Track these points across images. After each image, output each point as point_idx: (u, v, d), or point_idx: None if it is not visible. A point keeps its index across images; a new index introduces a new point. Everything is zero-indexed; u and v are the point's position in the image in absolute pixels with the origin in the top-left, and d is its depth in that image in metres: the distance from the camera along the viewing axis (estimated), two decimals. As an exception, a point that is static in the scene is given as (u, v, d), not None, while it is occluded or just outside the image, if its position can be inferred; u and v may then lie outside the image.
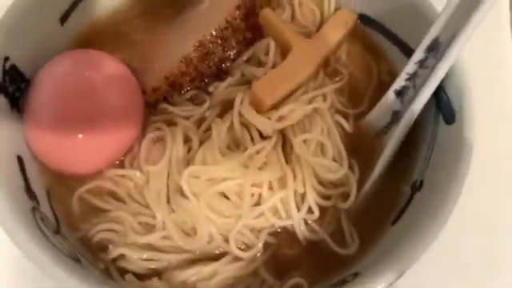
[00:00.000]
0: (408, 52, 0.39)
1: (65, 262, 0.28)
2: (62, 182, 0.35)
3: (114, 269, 0.32)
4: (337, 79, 0.40)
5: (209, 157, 0.33)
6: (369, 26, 0.42)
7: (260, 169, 0.34)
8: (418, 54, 0.35)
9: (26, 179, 0.32)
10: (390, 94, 0.37)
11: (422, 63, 0.35)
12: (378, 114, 0.38)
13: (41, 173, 0.34)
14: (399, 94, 0.37)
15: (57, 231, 0.32)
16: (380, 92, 0.38)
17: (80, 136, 0.34)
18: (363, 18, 0.42)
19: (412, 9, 0.38)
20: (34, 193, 0.33)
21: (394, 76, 0.40)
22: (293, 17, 0.43)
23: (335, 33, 0.41)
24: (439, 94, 0.35)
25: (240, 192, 0.33)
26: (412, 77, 0.36)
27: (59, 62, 0.36)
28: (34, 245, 0.27)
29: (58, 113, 0.35)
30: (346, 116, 0.38)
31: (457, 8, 0.34)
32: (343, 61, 0.41)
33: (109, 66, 0.38)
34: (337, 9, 0.43)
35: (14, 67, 0.34)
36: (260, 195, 0.34)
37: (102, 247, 0.33)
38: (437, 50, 0.35)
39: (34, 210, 0.31)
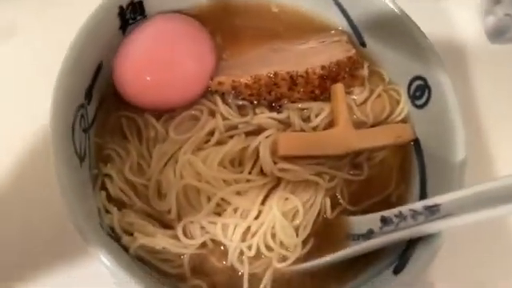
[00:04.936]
0: (423, 193, 0.42)
1: (72, 157, 0.37)
2: (116, 100, 0.43)
3: (100, 181, 0.41)
4: (354, 172, 0.44)
5: (210, 159, 0.40)
6: (416, 151, 0.45)
7: (237, 193, 0.40)
8: (417, 205, 0.38)
9: (93, 82, 0.41)
10: (377, 216, 0.40)
11: (414, 214, 0.38)
12: (359, 222, 0.41)
13: (107, 83, 0.43)
14: (383, 220, 0.39)
15: (86, 130, 0.41)
16: (379, 205, 0.42)
17: (149, 78, 0.42)
18: (415, 143, 0.45)
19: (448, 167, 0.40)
20: (92, 94, 0.41)
21: (401, 201, 0.43)
22: (364, 101, 0.46)
23: (383, 139, 0.44)
24: (408, 249, 0.38)
25: (210, 197, 0.39)
26: (401, 217, 0.38)
27: (172, 17, 0.45)
28: (59, 135, 0.36)
29: (147, 53, 0.43)
30: (335, 204, 0.43)
31: (473, 197, 0.35)
32: (373, 162, 0.45)
33: (206, 47, 0.45)
34: (402, 121, 0.46)
35: (140, 3, 0.43)
36: (224, 209, 0.40)
37: (105, 161, 0.42)
38: (432, 213, 0.37)
39: (82, 106, 0.40)
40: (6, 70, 0.48)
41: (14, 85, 0.48)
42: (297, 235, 0.40)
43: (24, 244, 0.42)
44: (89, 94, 0.41)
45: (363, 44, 0.48)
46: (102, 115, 0.43)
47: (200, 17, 0.47)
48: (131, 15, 0.43)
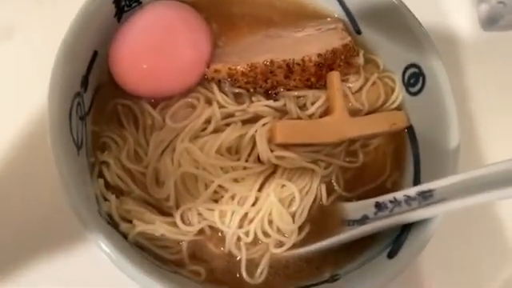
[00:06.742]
0: (417, 178, 0.43)
1: (70, 145, 0.37)
2: (112, 87, 0.43)
3: (97, 168, 0.41)
4: (349, 160, 0.45)
5: (207, 147, 0.40)
6: (410, 138, 0.45)
7: (235, 181, 0.40)
8: (411, 191, 0.39)
9: (89, 70, 0.41)
10: (371, 201, 0.41)
11: (408, 199, 0.39)
12: (353, 208, 0.42)
13: (102, 71, 0.43)
14: (378, 206, 0.40)
15: (83, 117, 0.41)
16: (374, 192, 0.43)
17: (145, 66, 0.42)
18: (409, 130, 0.45)
19: (442, 153, 0.41)
20: (88, 82, 0.41)
21: (396, 187, 0.44)
22: (360, 89, 0.47)
23: (377, 126, 0.45)
24: (402, 234, 0.38)
25: (208, 185, 0.40)
26: (395, 203, 0.39)
27: (167, 4, 0.44)
28: (57, 123, 0.36)
29: (143, 40, 0.43)
30: (331, 190, 0.43)
31: (465, 183, 0.36)
32: (368, 150, 0.45)
33: (202, 34, 0.45)
34: (397, 108, 0.46)
35: (135, -10, 0.43)
36: (222, 196, 0.40)
37: (102, 148, 0.42)
38: (425, 199, 0.38)
39: (78, 94, 0.39)
40: (5, 69, 0.48)
41: (14, 83, 0.47)
42: (293, 221, 0.41)
43: (21, 224, 0.43)
44: (85, 82, 0.41)
45: (358, 31, 0.48)
46: (99, 103, 0.43)
47: (195, 4, 0.46)
48: (126, 2, 0.43)
